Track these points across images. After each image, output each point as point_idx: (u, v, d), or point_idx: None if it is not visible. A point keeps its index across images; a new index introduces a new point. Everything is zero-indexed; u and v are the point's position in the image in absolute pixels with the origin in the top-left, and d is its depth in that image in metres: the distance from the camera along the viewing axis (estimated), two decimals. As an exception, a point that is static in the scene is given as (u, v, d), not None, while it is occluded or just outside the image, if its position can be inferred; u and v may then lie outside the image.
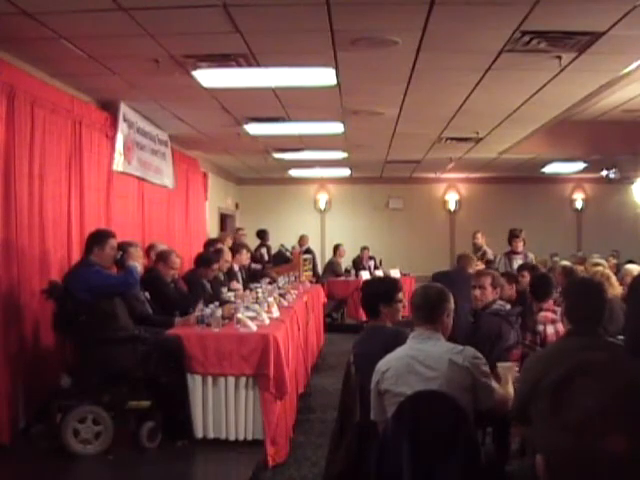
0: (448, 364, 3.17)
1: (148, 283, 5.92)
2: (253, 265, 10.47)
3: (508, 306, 5.01)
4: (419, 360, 3.21)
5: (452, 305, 3.46)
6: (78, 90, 6.46)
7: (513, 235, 8.99)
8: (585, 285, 3.41)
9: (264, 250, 12.41)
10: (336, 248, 13.46)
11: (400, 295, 4.21)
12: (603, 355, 1.28)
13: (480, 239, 10.98)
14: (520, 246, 8.93)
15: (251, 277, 9.44)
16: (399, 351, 3.34)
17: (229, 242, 9.52)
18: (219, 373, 5.02)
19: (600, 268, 6.62)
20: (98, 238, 5.29)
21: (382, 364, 3.30)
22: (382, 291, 4.25)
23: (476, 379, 3.19)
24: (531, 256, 9.03)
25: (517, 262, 8.78)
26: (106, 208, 6.86)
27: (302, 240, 13.55)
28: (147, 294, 5.79)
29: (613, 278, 6.13)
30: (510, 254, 8.95)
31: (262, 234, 12.79)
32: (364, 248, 13.55)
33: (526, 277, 6.64)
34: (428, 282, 3.92)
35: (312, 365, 8.24)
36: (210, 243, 8.65)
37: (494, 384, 3.26)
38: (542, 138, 9.64)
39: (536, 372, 3.05)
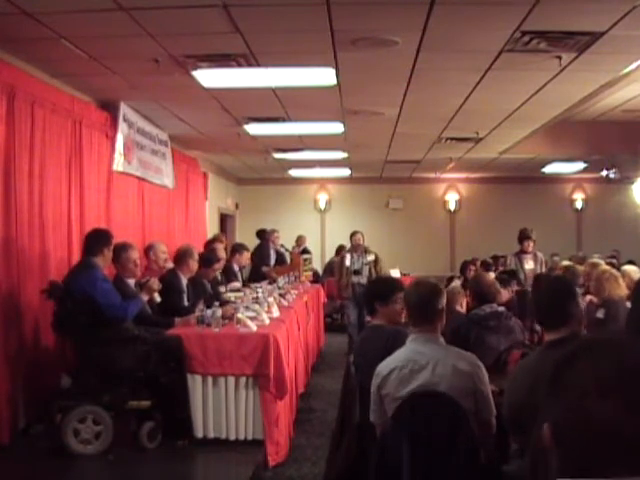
0: (452, 370, 3.17)
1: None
2: (264, 268, 10.51)
3: (501, 308, 4.96)
4: (421, 364, 3.20)
5: (445, 299, 3.47)
6: (78, 90, 6.46)
7: (524, 236, 8.92)
8: (543, 291, 3.32)
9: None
10: (340, 249, 13.40)
11: (400, 295, 4.19)
12: (606, 336, 1.36)
13: (362, 239, 10.25)
14: (531, 246, 8.89)
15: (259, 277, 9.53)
16: (400, 354, 3.32)
17: (223, 241, 9.56)
18: (219, 373, 5.02)
19: (608, 267, 6.61)
20: (106, 239, 5.25)
21: (383, 368, 3.28)
22: (378, 290, 4.26)
23: (477, 385, 3.20)
24: (540, 255, 9.00)
25: (527, 262, 8.75)
26: (106, 208, 6.86)
27: (299, 240, 13.54)
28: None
29: (620, 279, 6.11)
30: (520, 254, 8.92)
31: (262, 234, 12.78)
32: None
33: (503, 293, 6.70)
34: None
35: (312, 365, 8.24)
36: (209, 243, 8.67)
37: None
38: (542, 138, 9.65)
39: (523, 387, 3.01)
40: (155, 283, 5.39)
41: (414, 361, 3.22)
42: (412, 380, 3.19)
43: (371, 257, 10.01)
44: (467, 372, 3.19)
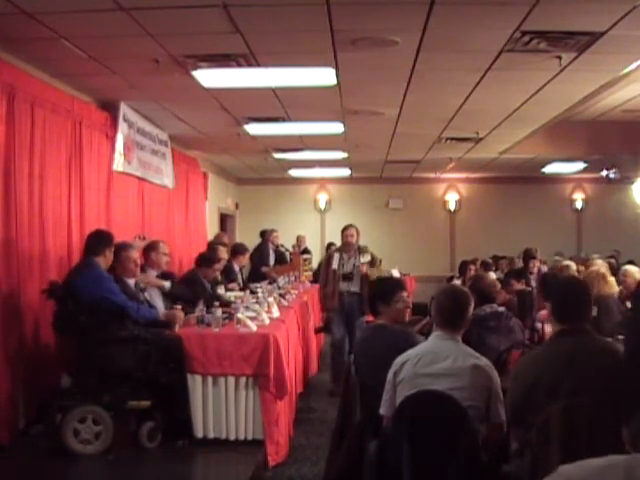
0: (471, 366, 3.25)
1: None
2: (264, 268, 10.45)
3: (501, 309, 4.96)
4: (443, 356, 3.28)
5: (472, 307, 3.56)
6: (78, 90, 6.46)
7: (530, 256, 8.72)
8: (570, 284, 3.40)
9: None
10: (328, 247, 13.32)
11: (402, 294, 4.21)
12: None
13: (356, 235, 7.94)
14: (536, 266, 8.76)
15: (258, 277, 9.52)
16: (420, 347, 3.43)
17: (226, 241, 9.58)
18: (219, 373, 5.02)
19: (595, 268, 6.65)
20: (108, 240, 5.25)
21: (401, 358, 3.38)
22: (380, 290, 4.27)
23: (493, 385, 3.26)
24: (544, 269, 8.89)
25: (532, 282, 8.59)
26: (106, 208, 6.85)
27: (299, 240, 13.52)
28: (146, 294, 5.78)
29: (608, 276, 6.15)
30: (525, 273, 8.67)
31: (264, 234, 12.85)
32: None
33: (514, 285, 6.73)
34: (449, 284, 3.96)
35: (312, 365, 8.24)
36: (213, 244, 8.67)
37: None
38: (542, 138, 9.64)
39: (529, 375, 3.05)
40: (181, 319, 5.39)
41: (435, 353, 3.31)
42: (432, 366, 3.26)
43: (366, 258, 7.81)
44: (485, 371, 3.27)
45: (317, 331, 7.81)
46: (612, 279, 6.28)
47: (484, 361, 3.33)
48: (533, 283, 8.44)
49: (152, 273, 6.23)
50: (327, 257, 8.16)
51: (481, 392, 3.21)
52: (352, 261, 7.76)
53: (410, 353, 3.38)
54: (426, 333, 4.23)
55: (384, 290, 4.26)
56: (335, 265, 7.75)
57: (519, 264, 9.81)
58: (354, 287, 7.68)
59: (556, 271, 8.15)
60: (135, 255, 5.58)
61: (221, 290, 7.36)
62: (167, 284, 6.13)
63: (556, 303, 3.20)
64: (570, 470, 1.15)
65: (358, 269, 7.72)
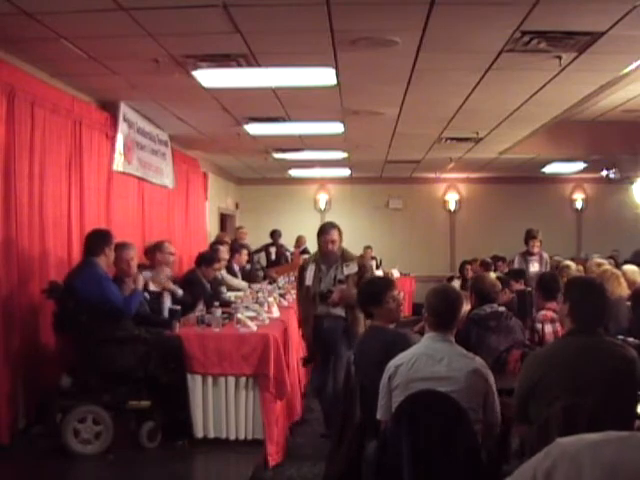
0: (467, 368, 3.23)
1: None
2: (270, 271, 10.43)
3: (501, 308, 4.96)
4: (437, 359, 3.26)
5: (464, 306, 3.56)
6: (78, 90, 6.46)
7: (531, 236, 8.81)
8: (590, 285, 3.40)
9: (272, 249, 12.51)
10: None
11: (393, 293, 4.20)
12: None
13: (338, 240, 5.72)
14: (537, 247, 8.80)
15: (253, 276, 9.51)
16: (414, 349, 3.39)
17: (227, 241, 9.57)
18: (219, 373, 5.02)
19: (609, 267, 6.64)
20: (107, 239, 5.25)
21: (395, 361, 3.34)
22: (370, 293, 4.25)
23: (489, 386, 3.25)
24: (546, 257, 8.93)
25: (533, 264, 8.59)
26: (106, 208, 6.85)
27: (299, 241, 13.51)
28: (146, 294, 5.77)
29: (622, 279, 6.14)
30: (526, 255, 8.82)
31: (273, 234, 12.89)
32: (367, 247, 13.37)
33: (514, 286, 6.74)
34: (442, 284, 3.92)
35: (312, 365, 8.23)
36: (214, 244, 8.68)
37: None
38: (542, 138, 9.64)
39: (536, 371, 3.06)
40: (138, 277, 5.39)
41: (429, 355, 3.29)
42: (427, 369, 3.24)
43: (351, 269, 5.65)
44: (481, 372, 3.25)
45: (304, 363, 6.26)
46: (624, 281, 6.25)
47: (478, 361, 3.31)
48: (535, 266, 8.45)
49: (167, 271, 6.27)
50: (300, 269, 6.05)
51: (477, 394, 3.19)
52: (333, 273, 5.69)
53: (404, 356, 3.34)
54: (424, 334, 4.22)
55: (373, 292, 4.23)
56: (309, 281, 5.69)
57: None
58: (337, 309, 5.60)
59: (555, 271, 8.15)
60: (129, 255, 5.49)
61: (223, 288, 7.38)
62: (180, 291, 6.20)
63: (574, 303, 3.19)
64: (566, 441, 1.19)
65: (340, 285, 5.63)
